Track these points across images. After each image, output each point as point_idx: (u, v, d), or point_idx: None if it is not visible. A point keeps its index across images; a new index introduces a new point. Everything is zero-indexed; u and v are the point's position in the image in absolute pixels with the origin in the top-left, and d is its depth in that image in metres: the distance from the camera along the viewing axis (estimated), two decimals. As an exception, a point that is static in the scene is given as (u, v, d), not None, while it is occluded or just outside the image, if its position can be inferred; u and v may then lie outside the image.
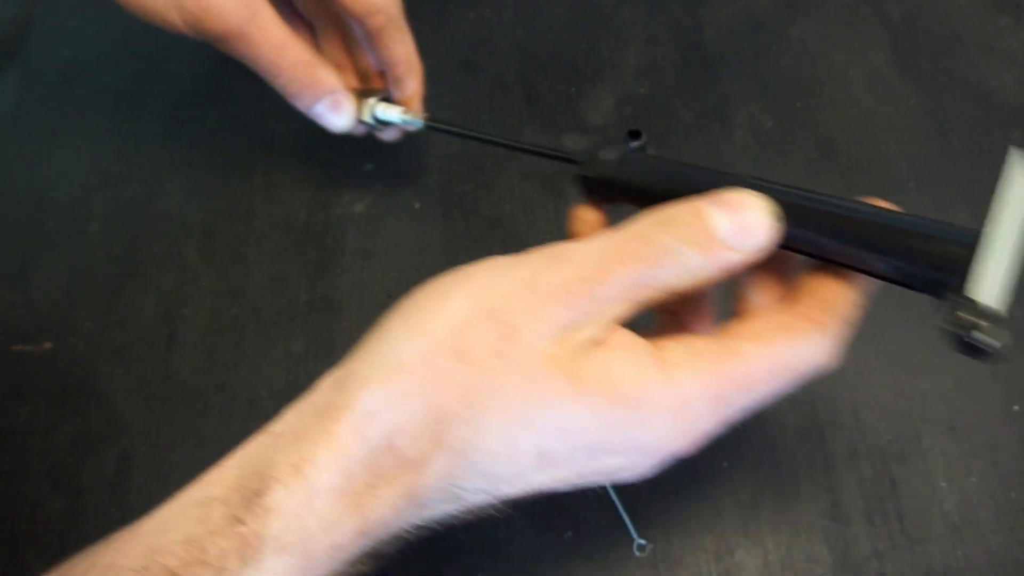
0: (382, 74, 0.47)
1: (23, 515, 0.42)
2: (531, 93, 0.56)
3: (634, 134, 0.48)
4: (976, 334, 0.22)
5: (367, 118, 0.45)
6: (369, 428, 0.25)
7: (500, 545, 0.41)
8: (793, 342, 0.27)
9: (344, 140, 0.54)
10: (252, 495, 0.24)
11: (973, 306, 0.23)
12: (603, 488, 0.42)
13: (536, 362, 0.25)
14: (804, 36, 0.57)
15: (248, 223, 0.52)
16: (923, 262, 0.25)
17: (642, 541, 0.40)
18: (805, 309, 0.27)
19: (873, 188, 0.50)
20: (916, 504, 0.41)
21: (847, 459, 0.42)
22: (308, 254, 0.50)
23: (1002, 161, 0.54)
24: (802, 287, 0.28)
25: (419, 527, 0.27)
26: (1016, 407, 0.43)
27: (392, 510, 0.25)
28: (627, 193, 0.34)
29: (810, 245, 0.27)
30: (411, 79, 0.46)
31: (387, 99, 0.45)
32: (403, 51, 0.45)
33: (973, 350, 0.23)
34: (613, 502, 0.41)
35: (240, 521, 0.24)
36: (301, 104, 0.43)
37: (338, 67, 0.48)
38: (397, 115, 0.44)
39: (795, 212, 0.27)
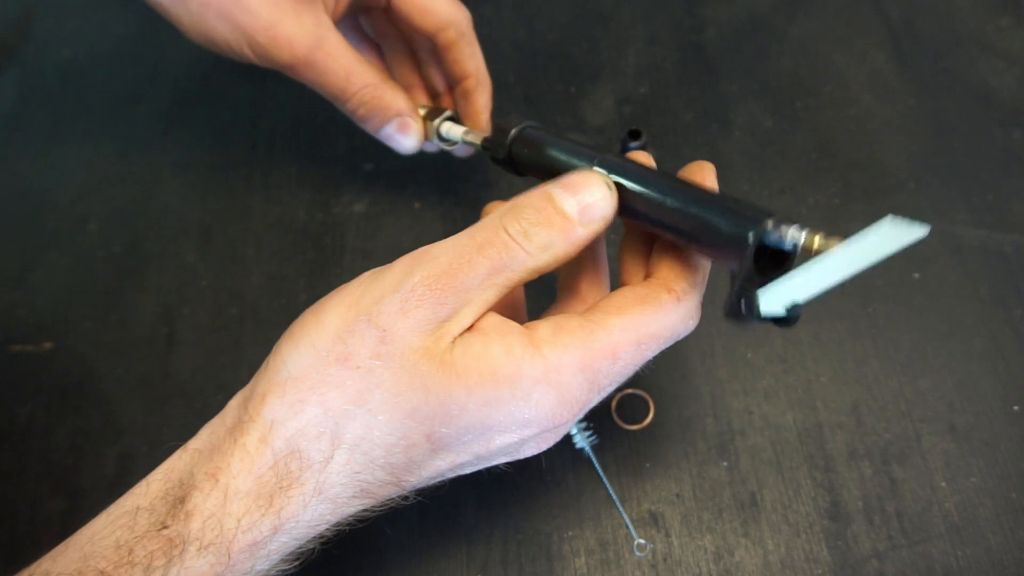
0: (452, 92, 0.47)
1: (23, 515, 0.42)
2: (531, 93, 0.56)
3: (634, 134, 0.48)
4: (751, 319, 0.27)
5: (433, 138, 0.45)
6: (273, 436, 0.28)
7: (502, 543, 0.41)
8: (651, 311, 0.29)
9: (343, 140, 0.54)
10: (175, 502, 0.27)
11: (754, 302, 0.27)
12: (604, 488, 0.42)
13: (413, 358, 0.28)
14: (804, 36, 0.57)
15: (247, 223, 0.52)
16: (724, 248, 0.28)
17: (642, 541, 0.40)
18: (659, 280, 0.30)
19: (873, 188, 0.50)
20: (916, 504, 0.41)
21: (847, 459, 0.42)
22: (307, 254, 0.50)
23: (1002, 161, 0.54)
24: (656, 262, 0.32)
25: (337, 524, 0.30)
26: (1016, 407, 0.43)
27: (304, 508, 0.28)
28: (532, 169, 0.36)
29: (648, 219, 0.31)
30: (480, 93, 0.45)
31: (453, 118, 0.45)
32: (473, 64, 0.44)
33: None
34: (613, 502, 0.41)
35: (165, 525, 0.27)
36: (369, 127, 0.44)
37: (407, 87, 0.48)
38: (459, 134, 0.44)
39: (640, 187, 0.30)
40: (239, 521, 0.27)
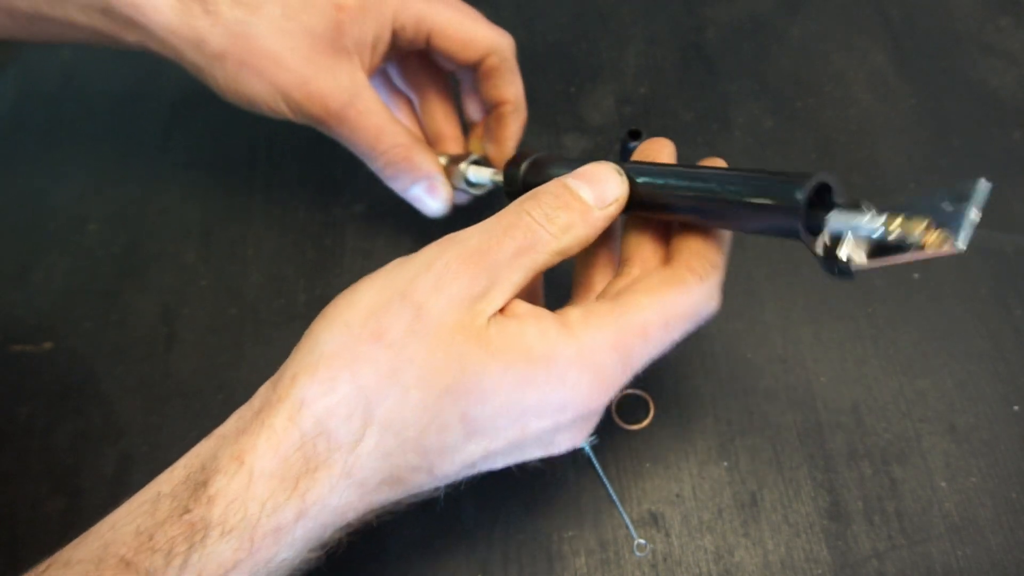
0: (486, 116, 0.46)
1: (23, 515, 0.42)
2: (531, 93, 0.56)
3: (634, 134, 0.48)
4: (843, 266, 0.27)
5: (459, 183, 0.44)
6: (301, 416, 0.27)
7: (502, 543, 0.41)
8: (677, 291, 0.31)
9: (344, 140, 0.54)
10: (197, 486, 0.27)
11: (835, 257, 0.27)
12: (604, 488, 0.42)
13: (447, 333, 0.28)
14: (804, 36, 0.57)
15: (247, 223, 0.52)
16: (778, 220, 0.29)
17: (642, 541, 0.40)
18: (683, 262, 0.32)
19: (873, 188, 0.50)
20: (916, 504, 0.41)
21: (847, 459, 0.42)
22: (307, 254, 0.50)
23: (1002, 161, 0.54)
24: (676, 247, 0.33)
25: (365, 514, 0.29)
26: (1016, 407, 0.43)
27: (331, 491, 0.27)
28: None
29: (680, 210, 0.32)
30: (514, 120, 0.45)
31: (478, 161, 0.44)
32: (512, 91, 0.44)
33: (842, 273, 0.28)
34: (613, 502, 0.41)
35: (187, 510, 0.26)
36: (397, 187, 0.43)
37: (439, 137, 0.47)
38: (487, 177, 0.43)
39: (669, 180, 0.32)
40: (263, 505, 0.26)
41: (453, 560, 0.40)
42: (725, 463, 0.42)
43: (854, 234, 0.26)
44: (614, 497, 0.41)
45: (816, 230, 0.28)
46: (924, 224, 0.24)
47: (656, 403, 0.44)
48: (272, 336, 0.47)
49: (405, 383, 0.28)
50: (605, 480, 0.42)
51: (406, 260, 0.30)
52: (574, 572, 0.40)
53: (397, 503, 0.30)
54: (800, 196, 0.27)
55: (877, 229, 0.25)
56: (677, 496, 0.42)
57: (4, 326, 0.48)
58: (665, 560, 0.40)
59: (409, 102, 0.49)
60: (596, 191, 0.32)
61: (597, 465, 0.42)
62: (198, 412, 0.45)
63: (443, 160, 0.44)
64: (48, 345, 0.48)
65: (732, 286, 0.47)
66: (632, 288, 0.31)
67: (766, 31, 0.58)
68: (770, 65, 0.56)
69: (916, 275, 0.47)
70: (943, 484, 0.41)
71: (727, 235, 0.33)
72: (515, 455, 0.31)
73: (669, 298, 0.30)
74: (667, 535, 0.40)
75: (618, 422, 0.43)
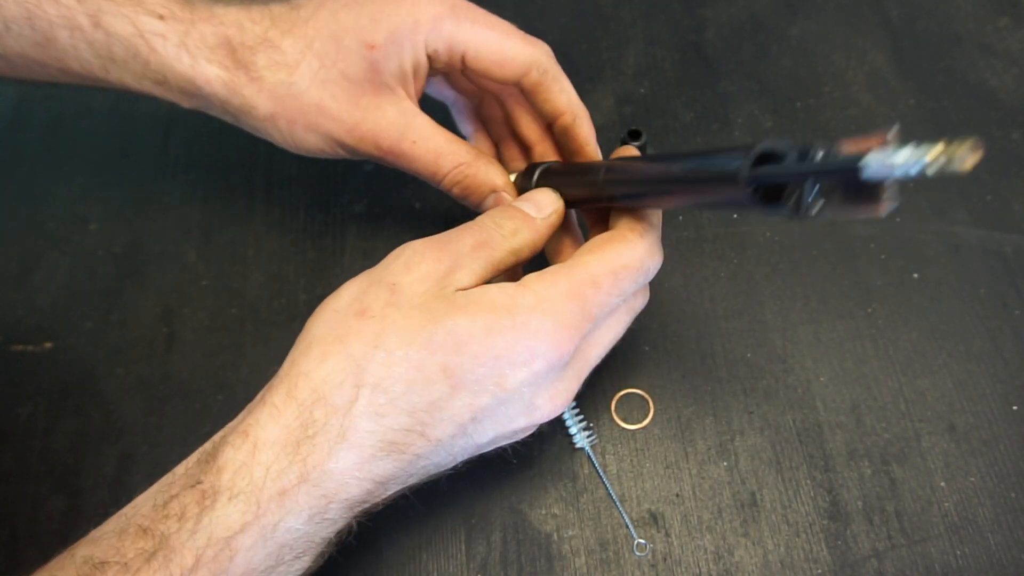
0: (550, 131, 0.45)
1: (23, 515, 0.42)
2: (531, 93, 0.56)
3: (634, 134, 0.48)
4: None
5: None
6: (298, 388, 0.31)
7: (502, 543, 0.41)
8: (619, 245, 0.35)
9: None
10: (208, 459, 0.30)
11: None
12: (604, 488, 0.42)
13: (421, 300, 0.32)
14: (804, 36, 0.57)
15: (247, 223, 0.52)
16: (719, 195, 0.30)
17: (642, 541, 0.40)
18: (622, 223, 0.36)
19: (873, 188, 0.50)
20: (915, 504, 0.41)
21: (847, 459, 0.42)
22: (307, 254, 0.50)
23: (1002, 161, 0.54)
24: (615, 219, 0.37)
25: (368, 488, 0.31)
26: (1016, 407, 0.43)
27: (328, 454, 0.30)
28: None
29: (651, 195, 0.35)
30: (580, 127, 0.43)
31: (550, 169, 0.42)
32: (564, 99, 0.42)
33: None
34: (613, 502, 0.41)
35: (199, 481, 0.29)
36: (468, 204, 0.43)
37: (496, 147, 0.47)
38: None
39: (646, 173, 0.35)
40: (268, 469, 0.29)
41: (453, 561, 0.40)
42: (725, 463, 0.42)
43: (895, 176, 0.23)
44: (614, 497, 0.41)
45: (778, 193, 0.28)
46: (969, 142, 0.21)
47: (656, 403, 0.44)
48: (272, 336, 0.47)
49: (389, 346, 0.31)
50: (605, 480, 0.42)
51: (378, 265, 0.35)
52: (574, 572, 0.40)
53: (398, 480, 0.32)
54: (740, 167, 0.27)
55: (919, 162, 0.22)
56: (677, 496, 0.42)
57: (4, 326, 0.48)
58: (665, 560, 0.40)
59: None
60: (535, 205, 0.37)
61: (597, 465, 0.42)
62: (198, 412, 0.45)
63: (514, 177, 0.43)
64: (48, 345, 0.48)
65: (732, 286, 0.47)
66: (579, 250, 0.35)
67: (766, 31, 0.58)
68: (770, 65, 0.56)
69: (916, 275, 0.47)
70: (942, 484, 0.41)
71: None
72: (502, 420, 0.33)
73: (613, 252, 0.34)
74: (667, 535, 0.41)
75: (618, 422, 0.44)
